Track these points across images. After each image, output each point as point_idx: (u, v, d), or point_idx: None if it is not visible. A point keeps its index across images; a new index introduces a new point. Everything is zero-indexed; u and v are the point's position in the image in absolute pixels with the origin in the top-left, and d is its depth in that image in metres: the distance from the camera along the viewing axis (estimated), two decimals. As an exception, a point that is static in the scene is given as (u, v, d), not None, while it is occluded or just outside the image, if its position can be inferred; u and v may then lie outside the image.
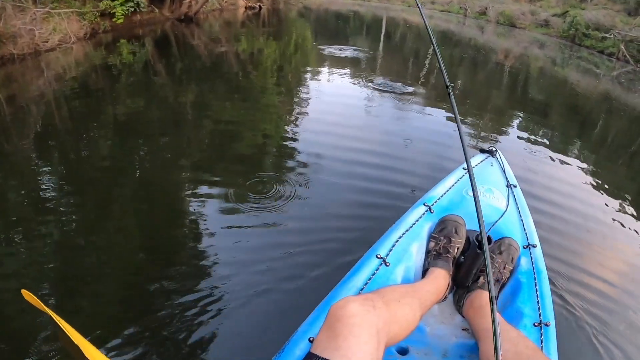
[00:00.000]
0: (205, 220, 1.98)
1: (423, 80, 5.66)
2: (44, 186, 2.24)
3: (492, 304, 0.73)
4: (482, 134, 3.66)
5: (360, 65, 6.22)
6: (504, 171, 1.56)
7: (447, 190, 1.37)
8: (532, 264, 1.22)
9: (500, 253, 1.19)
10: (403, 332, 0.86)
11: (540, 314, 1.04)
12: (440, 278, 1.11)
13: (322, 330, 0.71)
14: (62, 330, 0.93)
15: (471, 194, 1.37)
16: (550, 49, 10.83)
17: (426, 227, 1.23)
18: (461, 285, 1.16)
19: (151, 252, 1.81)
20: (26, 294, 1.14)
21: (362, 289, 1.01)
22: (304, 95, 4.39)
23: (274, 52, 6.67)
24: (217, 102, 4.00)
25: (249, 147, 2.98)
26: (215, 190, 2.26)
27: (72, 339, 0.90)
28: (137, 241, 1.90)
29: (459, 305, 1.13)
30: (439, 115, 3.93)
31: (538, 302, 1.09)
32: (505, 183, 1.50)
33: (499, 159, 1.62)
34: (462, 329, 1.10)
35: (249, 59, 6.03)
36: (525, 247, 1.26)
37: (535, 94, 6.11)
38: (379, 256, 1.09)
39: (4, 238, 1.78)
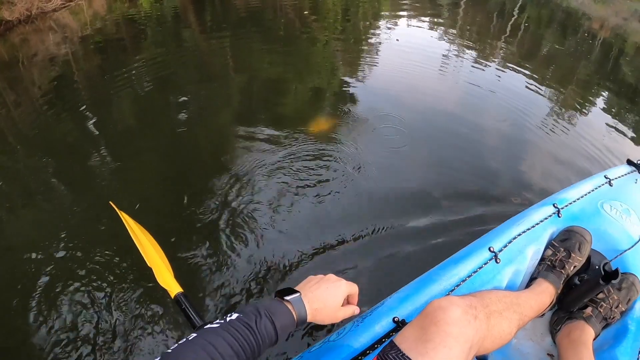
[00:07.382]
0: (245, 182, 1.89)
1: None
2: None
3: None
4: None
5: (441, 18, 5.48)
6: None
7: (581, 197, 1.14)
8: None
9: (619, 290, 1.02)
10: (494, 348, 0.78)
11: None
12: (546, 294, 0.96)
13: (413, 326, 0.66)
14: (136, 236, 1.04)
15: (607, 209, 1.15)
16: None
17: (549, 231, 1.05)
18: (564, 308, 1.01)
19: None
20: (112, 205, 1.22)
21: (464, 280, 0.88)
22: (370, 49, 3.89)
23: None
24: (262, 53, 3.59)
25: (303, 100, 2.74)
26: (256, 154, 2.10)
27: (141, 246, 1.01)
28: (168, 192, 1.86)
29: (554, 328, 1.00)
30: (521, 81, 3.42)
31: (638, 358, 0.94)
32: None
33: None
34: (548, 354, 0.98)
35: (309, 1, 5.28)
36: None
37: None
38: (491, 249, 0.93)
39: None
